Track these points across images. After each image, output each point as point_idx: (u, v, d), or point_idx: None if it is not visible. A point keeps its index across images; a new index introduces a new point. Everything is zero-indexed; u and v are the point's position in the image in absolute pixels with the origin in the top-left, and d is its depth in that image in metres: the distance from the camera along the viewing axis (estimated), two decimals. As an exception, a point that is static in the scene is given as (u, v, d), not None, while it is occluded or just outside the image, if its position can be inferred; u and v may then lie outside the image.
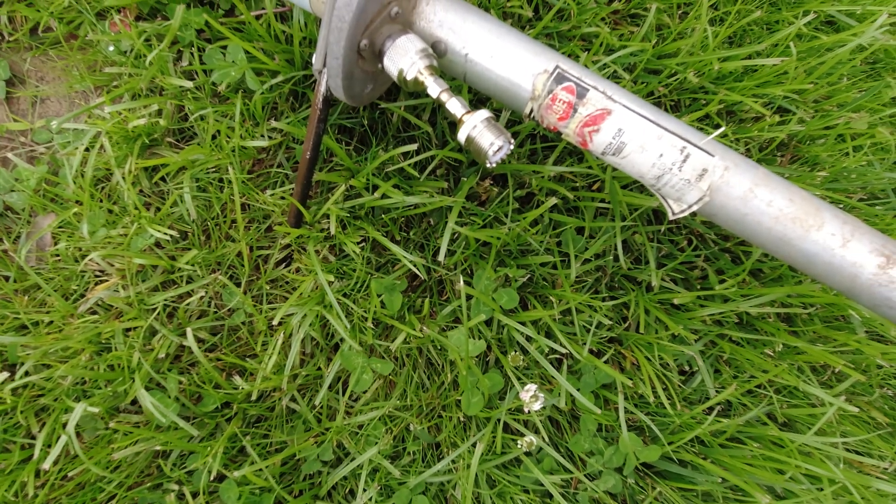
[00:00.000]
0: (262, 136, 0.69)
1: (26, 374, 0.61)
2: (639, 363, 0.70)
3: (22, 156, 0.70)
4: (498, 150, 0.47)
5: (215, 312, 0.68)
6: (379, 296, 0.67)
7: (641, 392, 0.68)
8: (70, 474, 0.59)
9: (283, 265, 0.71)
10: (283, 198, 0.69)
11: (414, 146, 0.65)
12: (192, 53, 0.69)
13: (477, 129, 0.47)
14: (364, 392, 0.68)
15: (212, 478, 0.60)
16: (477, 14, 0.54)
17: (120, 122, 0.66)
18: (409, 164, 0.67)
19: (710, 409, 0.71)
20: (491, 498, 0.67)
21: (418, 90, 0.51)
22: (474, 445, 0.65)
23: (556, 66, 0.52)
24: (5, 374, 0.60)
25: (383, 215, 0.69)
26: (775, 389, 0.73)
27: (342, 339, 0.67)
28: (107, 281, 0.66)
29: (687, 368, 0.75)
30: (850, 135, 0.82)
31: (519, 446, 0.65)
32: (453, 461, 0.66)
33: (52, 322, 0.64)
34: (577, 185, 0.74)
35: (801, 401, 0.73)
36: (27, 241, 0.66)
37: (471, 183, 0.69)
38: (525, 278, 0.70)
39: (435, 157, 0.70)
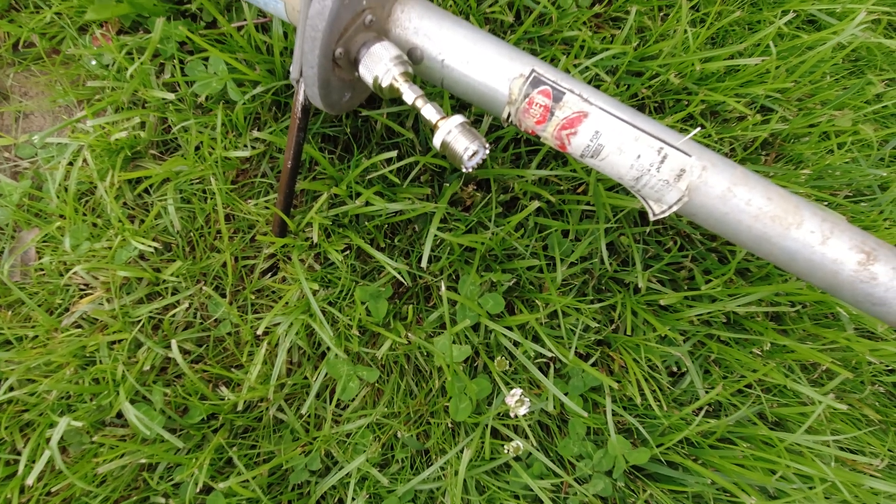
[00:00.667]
0: (245, 146, 0.69)
1: (10, 389, 0.61)
2: (627, 365, 0.70)
3: (6, 171, 0.70)
4: (473, 155, 0.47)
5: (201, 323, 0.68)
6: (364, 303, 0.67)
7: (630, 394, 0.68)
8: (55, 489, 0.59)
9: (269, 275, 0.71)
10: (267, 207, 0.69)
11: (394, 153, 0.65)
12: (174, 66, 0.69)
13: (451, 134, 0.47)
14: (351, 400, 0.68)
15: (198, 490, 0.60)
16: (452, 20, 0.54)
17: (102, 136, 0.66)
18: (392, 171, 0.67)
19: (699, 409, 0.70)
20: (481, 504, 0.66)
21: (394, 97, 0.51)
22: (462, 451, 0.64)
23: (532, 70, 0.52)
24: (-12, 390, 0.59)
25: (367, 223, 0.69)
26: (765, 389, 0.73)
27: (328, 348, 0.66)
28: (91, 294, 0.65)
29: (676, 370, 0.74)
30: (833, 132, 0.83)
31: (506, 451, 0.65)
32: (442, 468, 0.66)
33: (36, 337, 0.64)
34: (562, 188, 0.74)
35: (791, 399, 0.73)
36: (10, 256, 0.66)
37: (454, 188, 0.69)
38: (511, 283, 0.70)
39: (418, 164, 0.70)
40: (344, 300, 0.68)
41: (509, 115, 0.53)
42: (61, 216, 0.66)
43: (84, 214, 0.67)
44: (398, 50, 0.50)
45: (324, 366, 0.66)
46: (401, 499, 0.65)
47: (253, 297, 0.69)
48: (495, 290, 0.69)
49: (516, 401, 0.64)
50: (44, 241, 0.67)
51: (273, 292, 0.69)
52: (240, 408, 0.65)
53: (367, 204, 0.66)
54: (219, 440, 0.63)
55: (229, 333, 0.68)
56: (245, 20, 0.70)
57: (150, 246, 0.65)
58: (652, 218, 0.54)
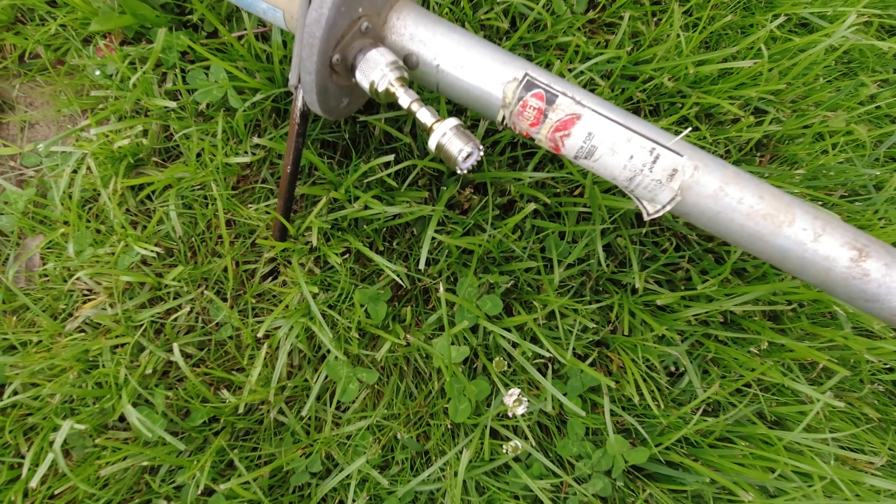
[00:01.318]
0: (246, 152, 0.70)
1: (15, 393, 0.62)
2: (625, 366, 0.70)
3: (11, 179, 0.71)
4: (468, 157, 0.48)
5: (202, 327, 0.68)
6: (363, 306, 0.67)
7: (628, 394, 0.69)
8: (58, 492, 0.59)
9: (270, 279, 0.71)
10: (267, 212, 0.70)
11: (391, 157, 0.66)
12: (175, 75, 0.71)
13: (446, 136, 0.48)
14: (352, 402, 0.68)
15: (200, 492, 0.61)
16: (446, 26, 0.55)
17: (106, 144, 0.67)
18: (390, 175, 0.68)
19: (698, 409, 0.71)
20: (481, 505, 0.67)
21: (390, 101, 0.52)
22: (462, 452, 0.65)
23: (525, 74, 0.53)
24: (-7, 394, 0.60)
25: (366, 227, 0.70)
26: (763, 388, 0.73)
27: (328, 351, 0.67)
28: (94, 299, 0.66)
29: (674, 370, 0.75)
30: (827, 133, 0.83)
31: (505, 451, 0.65)
32: (441, 469, 0.66)
33: (40, 341, 0.65)
34: (559, 190, 0.75)
35: (789, 398, 0.73)
36: (15, 262, 0.67)
37: (451, 192, 0.70)
38: (509, 284, 0.71)
39: (416, 168, 0.71)
40: (343, 303, 0.69)
41: (504, 119, 0.54)
42: (65, 223, 0.68)
43: (88, 221, 0.68)
44: (394, 55, 0.52)
45: (324, 368, 0.66)
46: (401, 500, 0.65)
47: (253, 300, 0.69)
48: (493, 292, 0.70)
49: (514, 400, 0.64)
50: (48, 248, 0.68)
51: (273, 296, 0.70)
52: (241, 410, 0.65)
53: (366, 208, 0.67)
54: (220, 442, 0.63)
55: (230, 337, 0.68)
56: (245, 30, 0.71)
57: (152, 251, 0.66)
58: (646, 218, 0.55)
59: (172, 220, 0.68)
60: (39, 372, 0.62)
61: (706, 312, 0.72)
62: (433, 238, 0.68)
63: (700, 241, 0.77)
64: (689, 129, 0.56)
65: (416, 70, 0.56)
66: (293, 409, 0.67)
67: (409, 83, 0.53)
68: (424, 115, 0.50)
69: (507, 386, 0.68)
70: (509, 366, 0.70)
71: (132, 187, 0.69)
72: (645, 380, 0.70)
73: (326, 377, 0.67)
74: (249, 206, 0.71)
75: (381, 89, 0.51)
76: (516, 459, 0.68)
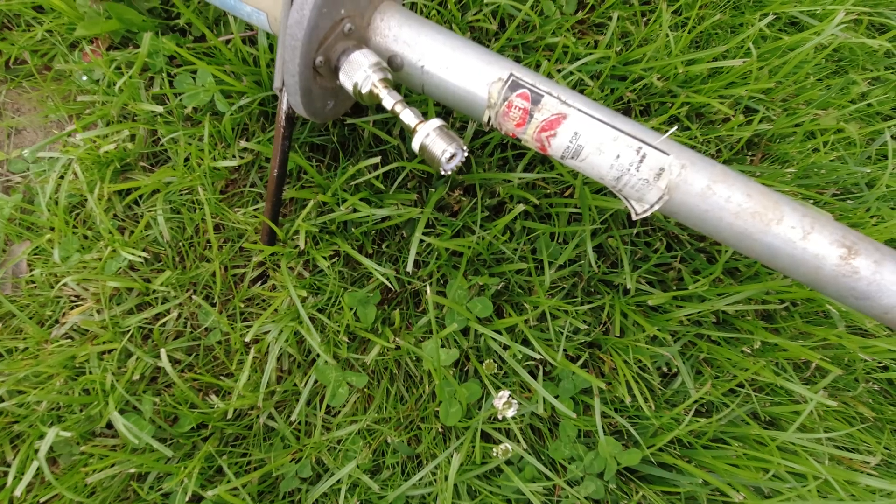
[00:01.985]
0: (233, 156, 0.70)
1: (0, 400, 0.61)
2: (617, 367, 0.70)
3: (-3, 186, 0.71)
4: (451, 158, 0.48)
5: (191, 332, 0.68)
6: (352, 309, 0.67)
7: (620, 395, 0.68)
8: (43, 501, 0.59)
9: (259, 283, 0.71)
10: (255, 216, 0.70)
11: (378, 158, 0.66)
12: (163, 79, 0.71)
13: (429, 137, 0.48)
14: (342, 406, 0.68)
15: (188, 499, 0.60)
16: (431, 27, 0.55)
17: (92, 149, 0.67)
18: (378, 178, 0.68)
19: (690, 409, 0.70)
20: (473, 510, 0.66)
21: (374, 103, 0.52)
22: (452, 456, 0.64)
23: (511, 74, 0.53)
24: (-22, 402, 0.60)
25: (355, 230, 0.69)
26: (756, 388, 0.73)
27: (318, 355, 0.66)
28: (81, 305, 0.66)
29: (667, 371, 0.74)
30: (818, 131, 0.83)
31: (496, 455, 0.65)
32: (433, 473, 0.66)
33: (26, 349, 0.64)
34: (549, 191, 0.74)
35: (783, 398, 0.72)
36: (1, 269, 0.66)
37: (440, 194, 0.70)
38: (500, 286, 0.71)
39: (404, 170, 0.71)
40: (333, 307, 0.68)
41: (490, 119, 0.54)
42: (52, 229, 0.67)
43: (74, 227, 0.68)
44: (377, 57, 0.51)
45: (313, 372, 0.66)
46: (392, 505, 0.65)
47: (242, 305, 0.69)
48: (483, 294, 0.70)
49: (504, 403, 0.64)
50: (34, 254, 0.67)
51: (262, 300, 0.70)
52: (230, 416, 0.65)
53: (354, 210, 0.67)
54: (209, 448, 0.63)
55: (219, 342, 0.68)
56: (232, 34, 0.71)
57: (139, 256, 0.65)
58: (634, 217, 0.54)
59: (160, 224, 0.67)
60: (25, 379, 0.62)
61: (698, 312, 0.72)
62: (422, 240, 0.68)
63: (691, 240, 0.77)
64: (675, 127, 0.56)
65: (400, 71, 0.55)
66: (283, 413, 0.67)
67: (394, 85, 0.53)
68: (408, 116, 0.49)
69: (497, 388, 0.68)
70: (500, 368, 0.69)
71: (119, 192, 0.68)
72: (637, 381, 0.69)
73: (316, 381, 0.67)
74: (237, 210, 0.70)
75: (364, 91, 0.51)
76: (508, 462, 0.67)
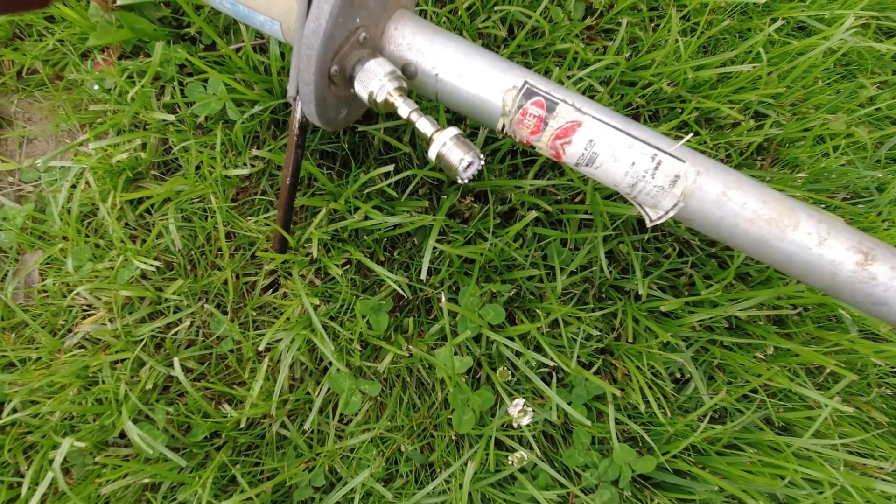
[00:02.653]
0: (245, 164, 0.70)
1: (14, 411, 0.61)
2: (630, 373, 0.70)
3: (10, 195, 0.71)
4: (468, 166, 0.48)
5: (203, 341, 0.68)
6: (365, 317, 0.67)
7: (634, 402, 0.68)
8: (58, 512, 0.59)
9: (270, 291, 0.71)
10: (266, 224, 0.70)
11: (391, 167, 0.66)
12: (174, 88, 0.71)
13: (446, 146, 0.48)
14: (354, 415, 0.68)
15: (202, 509, 0.60)
16: (444, 35, 0.55)
17: (104, 158, 0.67)
18: (390, 185, 0.68)
19: (704, 416, 0.70)
20: (487, 518, 0.66)
21: (389, 111, 0.52)
22: (466, 464, 0.64)
23: (525, 82, 0.53)
24: (-8, 413, 0.60)
25: (367, 237, 0.69)
26: (770, 393, 0.72)
27: (331, 363, 0.66)
28: (94, 314, 0.66)
29: (680, 376, 0.74)
30: (828, 136, 0.83)
31: (510, 463, 0.64)
32: (446, 481, 0.65)
33: (39, 358, 0.64)
34: (560, 197, 0.74)
35: (796, 403, 0.72)
36: (14, 278, 0.66)
37: (451, 201, 0.70)
38: (512, 293, 0.70)
39: (416, 177, 0.71)
40: (345, 314, 0.68)
41: (504, 127, 0.54)
42: (64, 238, 0.67)
43: (86, 236, 0.68)
44: (392, 66, 0.51)
45: (326, 380, 0.66)
46: (406, 514, 0.64)
47: (254, 313, 0.69)
48: (496, 301, 0.70)
49: (519, 411, 0.64)
50: (46, 263, 0.67)
51: (274, 308, 0.70)
52: (243, 425, 0.64)
53: (366, 218, 0.67)
54: (222, 458, 0.63)
55: (231, 350, 0.68)
56: (243, 42, 0.71)
57: (151, 265, 0.65)
58: (649, 224, 0.54)
59: (172, 233, 0.67)
60: (39, 389, 0.61)
61: (710, 318, 0.71)
62: (434, 248, 0.68)
63: (703, 245, 0.77)
64: (691, 134, 0.56)
65: (414, 79, 0.55)
66: (295, 422, 0.67)
67: (408, 93, 0.53)
68: (424, 124, 0.49)
69: (511, 395, 0.68)
70: (513, 375, 0.69)
71: (131, 201, 0.68)
72: (650, 387, 0.69)
73: (329, 390, 0.66)
74: (249, 218, 0.70)
75: (379, 99, 0.51)
76: (522, 470, 0.67)
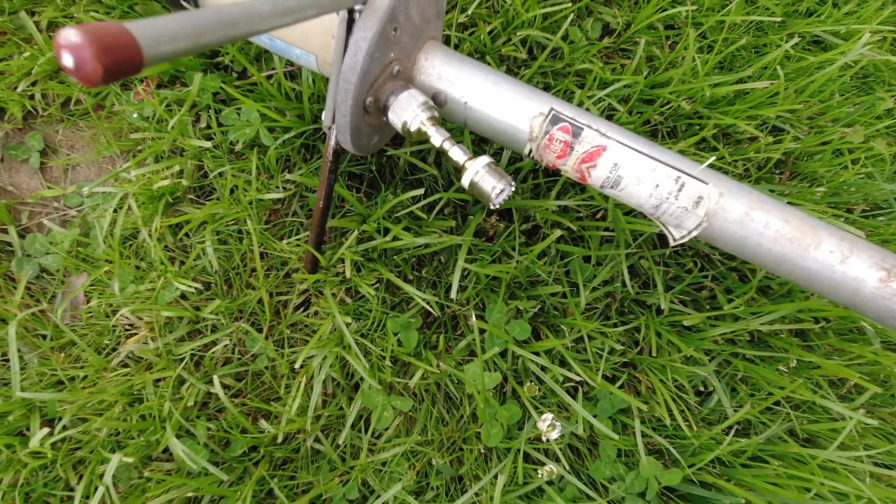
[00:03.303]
0: (278, 187, 0.73)
1: (64, 428, 0.64)
2: (654, 386, 0.71)
3: (56, 220, 0.74)
4: (500, 193, 0.50)
5: (239, 359, 0.70)
6: (395, 334, 0.69)
7: (658, 415, 0.69)
8: (107, 525, 0.61)
9: (302, 309, 0.73)
10: (298, 245, 0.72)
11: (421, 190, 0.68)
12: (209, 115, 0.74)
13: (479, 174, 0.50)
14: (386, 429, 0.70)
15: (242, 522, 0.62)
16: (472, 65, 0.57)
17: (145, 184, 0.70)
18: (419, 207, 0.70)
19: (729, 428, 0.71)
20: (516, 530, 0.67)
21: (421, 139, 0.54)
22: (496, 477, 0.66)
23: (551, 108, 0.55)
24: (45, 430, 0.63)
25: (395, 256, 0.71)
26: (793, 406, 0.73)
27: (362, 379, 0.69)
28: (136, 334, 0.69)
29: (703, 389, 0.75)
30: (846, 149, 0.84)
31: (540, 476, 0.66)
32: (476, 494, 0.67)
33: (86, 376, 0.67)
34: (581, 214, 0.76)
35: (820, 416, 0.73)
36: (62, 300, 0.69)
37: (477, 220, 0.72)
38: (536, 309, 0.72)
39: (442, 199, 0.73)
40: (375, 332, 0.71)
41: (531, 151, 0.56)
42: (108, 261, 0.70)
43: (127, 258, 0.71)
44: (424, 96, 0.54)
45: (359, 397, 0.68)
46: (438, 526, 0.66)
47: (288, 331, 0.71)
48: (521, 317, 0.71)
49: (548, 425, 0.65)
50: (91, 285, 0.71)
51: (307, 326, 0.72)
52: (279, 440, 0.67)
53: (396, 239, 0.69)
54: (261, 472, 0.65)
55: (266, 367, 0.70)
56: (274, 69, 0.74)
57: (190, 286, 0.68)
58: (672, 243, 0.56)
59: (209, 255, 0.70)
60: (87, 406, 0.64)
61: (733, 332, 0.73)
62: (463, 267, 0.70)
63: (723, 259, 0.78)
64: (713, 157, 0.58)
65: (444, 107, 0.58)
66: (329, 437, 0.69)
67: (440, 121, 0.55)
68: (456, 153, 0.52)
69: (537, 409, 0.69)
70: (539, 389, 0.71)
71: (170, 225, 0.71)
72: (675, 400, 0.71)
73: (361, 405, 0.69)
74: (282, 239, 0.73)
75: (413, 129, 0.53)
76: (549, 483, 0.68)
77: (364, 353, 0.69)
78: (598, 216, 0.77)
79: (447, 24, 0.77)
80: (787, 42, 0.82)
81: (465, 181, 0.51)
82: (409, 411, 0.70)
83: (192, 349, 0.68)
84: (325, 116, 0.58)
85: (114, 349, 0.69)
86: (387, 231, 0.70)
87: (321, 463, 0.68)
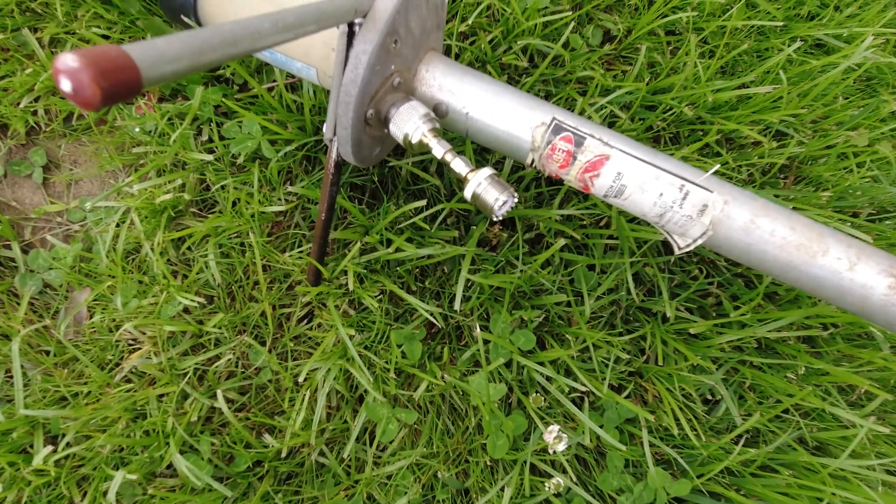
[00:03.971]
0: (280, 200, 0.73)
1: (68, 444, 0.64)
2: (661, 395, 0.70)
3: (59, 235, 0.74)
4: (503, 205, 0.50)
5: (243, 373, 0.70)
6: (399, 346, 0.69)
7: (666, 424, 0.68)
8: (111, 542, 0.61)
9: (305, 322, 0.73)
10: (301, 257, 0.72)
11: (423, 201, 0.68)
12: (211, 128, 0.74)
13: (482, 186, 0.50)
14: (391, 442, 0.69)
15: (247, 538, 0.62)
16: (473, 75, 0.57)
17: (148, 198, 0.70)
18: (421, 218, 0.70)
19: (738, 437, 0.70)
20: (524, 543, 0.67)
21: (422, 151, 0.54)
22: (503, 489, 0.65)
23: (553, 118, 0.55)
24: (49, 448, 0.62)
25: (398, 267, 0.71)
26: (803, 413, 0.72)
27: (366, 391, 0.68)
28: (140, 349, 0.69)
29: (710, 397, 0.74)
30: (851, 152, 0.84)
31: (547, 488, 0.65)
32: (483, 507, 0.66)
33: (90, 392, 0.67)
34: (585, 223, 0.76)
35: (830, 423, 0.72)
36: (66, 316, 0.69)
37: (480, 230, 0.72)
38: (541, 318, 0.72)
39: (444, 209, 0.73)
40: (379, 344, 0.70)
41: (533, 161, 0.56)
42: (111, 276, 0.70)
43: (130, 272, 0.71)
44: (426, 108, 0.54)
45: (363, 410, 0.67)
46: (444, 540, 0.65)
47: (291, 344, 0.71)
48: (526, 327, 0.71)
49: (554, 437, 0.65)
50: (94, 300, 0.70)
51: (310, 339, 0.72)
52: (283, 454, 0.66)
53: (398, 250, 0.69)
54: (265, 487, 0.64)
55: (270, 381, 0.70)
56: (275, 81, 0.74)
57: (193, 300, 0.68)
58: (677, 251, 0.56)
59: (211, 268, 0.70)
60: (91, 423, 0.64)
61: (740, 339, 0.72)
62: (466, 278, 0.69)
63: (728, 266, 0.78)
64: (718, 165, 0.57)
65: (445, 118, 0.58)
66: (334, 450, 0.68)
67: (442, 133, 0.55)
68: (459, 165, 0.51)
69: (543, 420, 0.69)
70: (545, 400, 0.70)
71: (173, 239, 0.71)
72: (682, 409, 0.70)
73: (365, 417, 0.68)
74: (284, 251, 0.73)
75: (414, 141, 0.53)
76: (557, 495, 0.67)
77: (368, 366, 0.68)
78: (601, 224, 0.77)
79: (447, 33, 0.77)
80: (789, 46, 0.82)
81: (467, 193, 0.50)
82: (413, 424, 0.70)
83: (196, 363, 0.68)
84: (326, 129, 0.58)
85: (117, 364, 0.69)
86: (389, 242, 0.70)
87: (326, 477, 0.68)
